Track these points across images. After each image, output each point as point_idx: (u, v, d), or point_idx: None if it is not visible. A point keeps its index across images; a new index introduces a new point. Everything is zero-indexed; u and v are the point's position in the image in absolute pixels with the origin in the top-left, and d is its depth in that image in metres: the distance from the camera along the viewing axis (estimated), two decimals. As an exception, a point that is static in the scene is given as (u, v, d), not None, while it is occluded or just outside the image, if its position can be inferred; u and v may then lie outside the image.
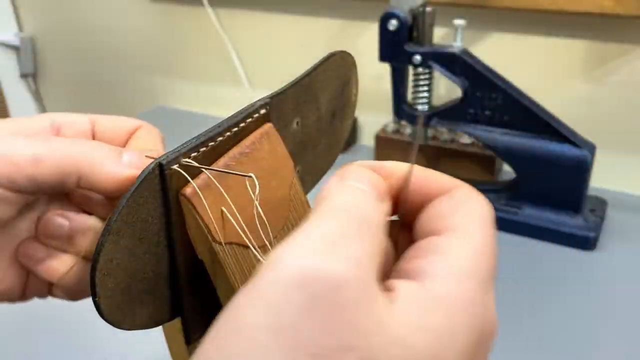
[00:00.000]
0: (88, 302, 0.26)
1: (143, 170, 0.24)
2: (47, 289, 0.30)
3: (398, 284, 0.18)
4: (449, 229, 0.20)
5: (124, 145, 0.31)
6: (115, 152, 0.27)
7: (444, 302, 0.17)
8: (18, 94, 1.32)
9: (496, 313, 0.21)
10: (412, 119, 0.72)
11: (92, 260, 0.23)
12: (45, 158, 0.25)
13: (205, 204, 0.25)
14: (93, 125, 0.31)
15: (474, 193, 0.21)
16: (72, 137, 0.30)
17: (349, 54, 0.37)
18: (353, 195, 0.20)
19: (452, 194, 0.21)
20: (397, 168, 0.22)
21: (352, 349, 0.15)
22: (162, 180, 0.24)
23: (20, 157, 0.25)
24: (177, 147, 0.25)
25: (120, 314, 0.25)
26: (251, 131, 0.29)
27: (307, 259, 0.16)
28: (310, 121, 0.35)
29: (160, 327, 0.29)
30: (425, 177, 0.22)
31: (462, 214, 0.20)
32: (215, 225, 0.25)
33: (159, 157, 0.24)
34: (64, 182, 0.26)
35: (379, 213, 0.20)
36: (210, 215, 0.25)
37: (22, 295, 0.30)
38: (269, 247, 0.28)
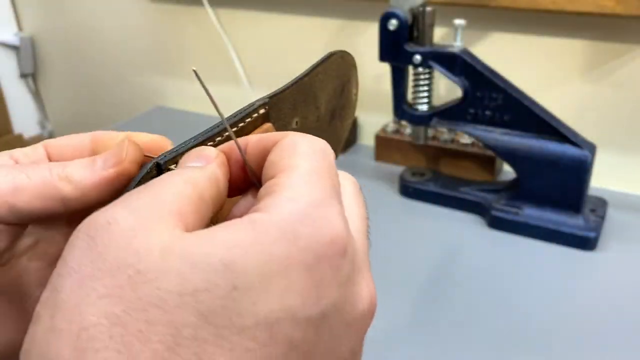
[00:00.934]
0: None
1: (141, 170, 0.24)
2: None
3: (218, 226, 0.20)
4: (279, 171, 0.21)
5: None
6: (88, 160, 0.26)
7: (254, 225, 0.19)
8: (18, 94, 1.32)
9: (355, 224, 0.22)
10: (412, 118, 0.72)
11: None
12: (26, 186, 0.24)
13: None
14: (46, 148, 0.29)
15: (298, 135, 0.23)
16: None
17: (348, 54, 0.37)
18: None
19: (280, 142, 0.23)
20: (233, 144, 0.24)
21: (128, 265, 0.18)
22: None
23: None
24: (175, 146, 0.25)
25: None
26: (250, 131, 0.28)
27: (96, 213, 0.19)
28: (309, 121, 0.35)
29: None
30: (262, 140, 0.24)
31: (288, 155, 0.22)
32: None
33: (157, 157, 0.24)
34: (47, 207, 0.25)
35: (188, 173, 0.22)
36: None
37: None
38: None
